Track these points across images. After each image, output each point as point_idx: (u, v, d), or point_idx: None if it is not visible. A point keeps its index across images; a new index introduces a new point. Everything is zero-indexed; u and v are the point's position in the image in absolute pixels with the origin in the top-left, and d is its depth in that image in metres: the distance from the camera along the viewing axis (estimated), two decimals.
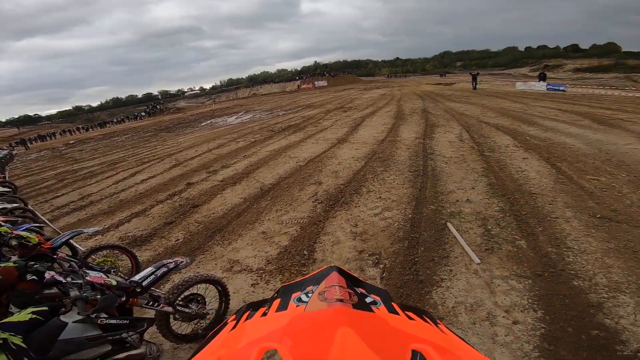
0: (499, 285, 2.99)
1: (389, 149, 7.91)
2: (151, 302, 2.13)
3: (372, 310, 0.75)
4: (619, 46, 64.45)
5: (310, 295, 0.81)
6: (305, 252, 3.80)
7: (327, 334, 0.61)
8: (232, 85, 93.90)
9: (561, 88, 22.41)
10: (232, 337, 0.73)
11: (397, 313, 0.78)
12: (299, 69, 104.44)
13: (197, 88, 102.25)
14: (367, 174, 6.25)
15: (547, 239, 3.60)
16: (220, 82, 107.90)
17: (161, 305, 2.15)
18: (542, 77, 27.04)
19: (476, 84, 25.70)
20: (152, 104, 54.68)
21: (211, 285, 2.60)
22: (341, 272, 0.93)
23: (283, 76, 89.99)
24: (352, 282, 0.89)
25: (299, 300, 0.80)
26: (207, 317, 2.56)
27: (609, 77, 42.00)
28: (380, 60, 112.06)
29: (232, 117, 24.41)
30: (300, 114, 18.85)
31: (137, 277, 2.13)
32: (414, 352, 0.62)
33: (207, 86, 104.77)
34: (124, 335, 1.80)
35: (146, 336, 2.14)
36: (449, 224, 4.08)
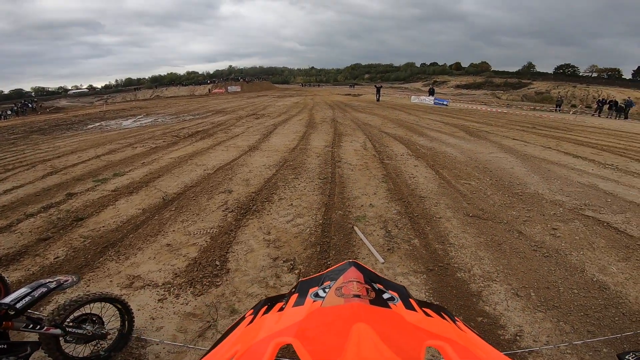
0: (401, 281, 3.22)
1: (300, 157, 8.04)
2: (31, 325, 1.87)
3: (389, 307, 0.74)
4: (489, 65, 73.90)
5: (327, 290, 0.79)
6: (218, 263, 3.57)
7: (343, 329, 0.61)
8: (131, 85, 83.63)
9: (444, 103, 26.33)
10: (248, 332, 0.72)
11: (414, 309, 0.78)
12: (211, 72, 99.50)
13: (84, 86, 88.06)
14: (278, 181, 6.21)
15: (435, 237, 4.07)
16: (117, 81, 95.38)
17: (45, 328, 1.92)
18: (431, 92, 31.40)
19: (380, 96, 28.33)
20: (23, 101, 44.54)
21: (108, 304, 2.31)
22: (359, 267, 0.91)
23: (193, 79, 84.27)
24: (370, 277, 0.88)
25: (316, 295, 0.78)
26: (108, 337, 2.29)
27: (480, 94, 50.75)
28: (296, 68, 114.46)
29: (128, 120, 21.55)
30: (209, 119, 17.79)
31: (7, 300, 1.85)
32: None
33: (99, 85, 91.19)
34: None
35: None
36: (355, 228, 4.30)
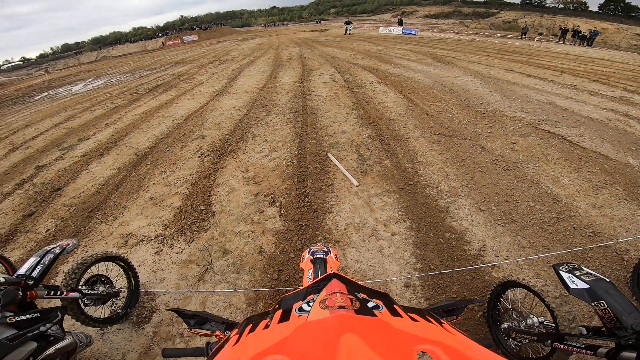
0: (375, 202, 3.43)
1: (270, 95, 7.87)
2: (52, 292, 1.91)
3: (375, 315, 0.74)
4: None
5: (311, 304, 0.79)
6: (202, 207, 3.68)
7: (331, 341, 0.60)
8: (70, 51, 74.40)
9: (413, 32, 25.55)
10: (235, 352, 0.70)
11: (400, 315, 0.77)
12: (161, 25, 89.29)
13: (16, 59, 77.50)
14: (250, 120, 6.16)
15: (404, 157, 4.30)
16: (52, 48, 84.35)
17: (64, 292, 1.97)
18: (399, 22, 30.28)
19: (348, 30, 27.07)
20: None
21: (111, 264, 2.39)
22: (340, 278, 0.92)
23: (142, 34, 75.54)
24: (352, 287, 0.88)
25: (301, 309, 0.78)
26: (120, 295, 2.41)
27: (449, 23, 49.41)
28: (256, 9, 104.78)
29: (78, 85, 19.62)
30: (169, 71, 16.54)
31: (22, 270, 1.88)
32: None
33: (32, 55, 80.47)
34: (42, 329, 1.65)
35: (71, 328, 1.94)
36: (329, 155, 4.45)
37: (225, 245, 3.09)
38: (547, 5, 56.18)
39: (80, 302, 2.10)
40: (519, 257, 2.67)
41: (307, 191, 3.73)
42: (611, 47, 27.81)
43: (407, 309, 0.83)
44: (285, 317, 0.78)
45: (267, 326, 0.77)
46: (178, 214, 3.66)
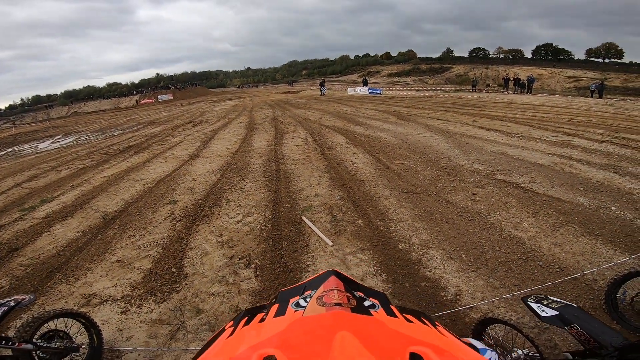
0: (351, 260, 3.50)
1: (244, 159, 8.05)
2: (4, 342, 1.88)
3: (370, 314, 0.74)
4: (415, 53, 77.09)
5: (308, 299, 0.79)
6: (174, 270, 3.57)
7: (325, 338, 0.60)
8: (40, 103, 73.93)
9: (378, 92, 27.80)
10: (229, 344, 0.70)
11: (395, 316, 0.78)
12: (136, 82, 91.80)
13: None
14: (224, 185, 6.20)
15: (376, 215, 4.45)
16: (22, 99, 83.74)
17: (17, 343, 1.95)
18: (364, 83, 32.96)
19: (324, 90, 29.27)
20: None
21: (71, 320, 2.31)
22: (339, 275, 0.91)
23: (115, 91, 77.13)
24: (350, 285, 0.88)
25: (297, 305, 0.78)
26: (81, 350, 2.30)
27: (410, 80, 54.60)
28: (231, 70, 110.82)
29: (45, 142, 19.23)
30: (142, 132, 16.64)
31: None
32: (414, 355, 0.60)
33: (1, 106, 79.28)
34: None
35: None
36: (303, 218, 4.52)
37: (199, 305, 3.01)
38: (490, 56, 63.96)
39: (35, 355, 2.03)
40: (493, 297, 2.81)
41: (283, 252, 3.74)
42: (548, 92, 31.55)
43: (403, 310, 0.84)
44: (281, 311, 0.78)
45: (262, 320, 0.78)
46: (147, 276, 3.52)
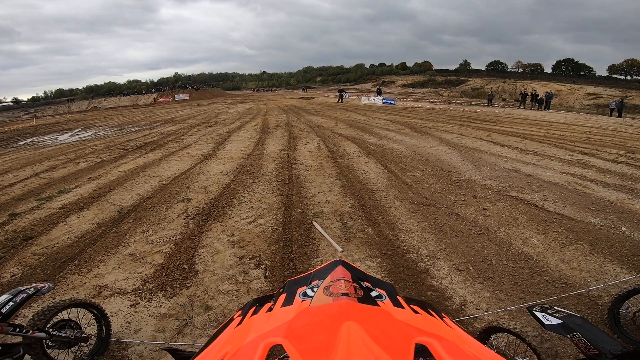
0: (359, 266, 3.50)
1: (257, 162, 8.19)
2: (18, 329, 1.94)
3: (377, 304, 0.75)
4: (432, 64, 77.03)
5: (315, 289, 0.80)
6: (185, 266, 3.67)
7: (332, 328, 0.61)
8: (62, 97, 76.32)
9: (392, 102, 27.79)
10: (238, 333, 0.71)
11: (402, 307, 0.78)
12: (155, 80, 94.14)
13: (8, 100, 78.68)
14: (237, 186, 6.33)
15: (386, 225, 4.50)
16: (46, 92, 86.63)
17: (30, 331, 1.99)
18: (378, 92, 33.00)
19: (342, 99, 29.64)
20: None
21: (83, 310, 2.39)
22: (347, 265, 0.93)
23: (135, 88, 79.14)
24: (357, 275, 0.89)
25: (305, 294, 0.79)
26: (89, 340, 2.37)
27: (424, 92, 54.14)
28: (247, 73, 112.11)
29: (64, 135, 19.88)
30: (158, 129, 17.06)
31: None
32: (420, 345, 0.61)
33: (25, 97, 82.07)
34: None
35: None
36: (314, 223, 4.60)
37: (208, 302, 3.08)
38: (509, 70, 63.23)
39: (45, 343, 2.09)
40: (498, 308, 2.85)
41: (293, 256, 3.81)
42: (566, 109, 30.97)
43: (410, 300, 0.85)
44: (289, 301, 0.79)
45: (270, 309, 0.79)
46: (159, 271, 3.62)
